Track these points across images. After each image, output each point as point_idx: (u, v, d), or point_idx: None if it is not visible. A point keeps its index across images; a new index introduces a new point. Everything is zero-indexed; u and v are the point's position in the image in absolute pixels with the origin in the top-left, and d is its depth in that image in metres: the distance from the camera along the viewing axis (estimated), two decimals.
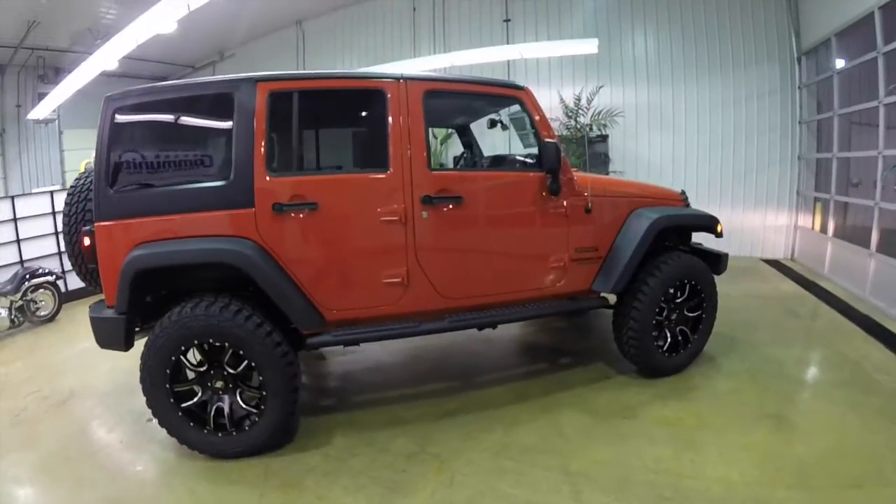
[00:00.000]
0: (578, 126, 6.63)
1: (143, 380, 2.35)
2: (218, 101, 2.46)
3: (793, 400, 2.86)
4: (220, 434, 2.41)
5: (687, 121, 6.61)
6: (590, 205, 2.85)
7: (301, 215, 2.43)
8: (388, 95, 2.53)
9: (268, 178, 2.40)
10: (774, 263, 6.12)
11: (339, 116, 3.26)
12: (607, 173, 6.62)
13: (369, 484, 2.23)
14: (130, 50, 5.15)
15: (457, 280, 2.70)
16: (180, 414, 2.36)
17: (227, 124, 2.42)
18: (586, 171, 5.99)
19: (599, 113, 6.67)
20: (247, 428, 2.42)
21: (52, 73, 9.34)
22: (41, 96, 8.41)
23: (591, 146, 6.89)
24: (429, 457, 2.42)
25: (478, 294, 2.75)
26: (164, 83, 2.66)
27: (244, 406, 2.44)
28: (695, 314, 3.10)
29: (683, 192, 3.49)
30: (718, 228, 3.25)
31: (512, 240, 2.83)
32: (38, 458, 2.61)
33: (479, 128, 3.80)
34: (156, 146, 2.49)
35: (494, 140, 4.87)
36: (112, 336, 2.40)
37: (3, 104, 9.59)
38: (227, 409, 2.42)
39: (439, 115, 3.44)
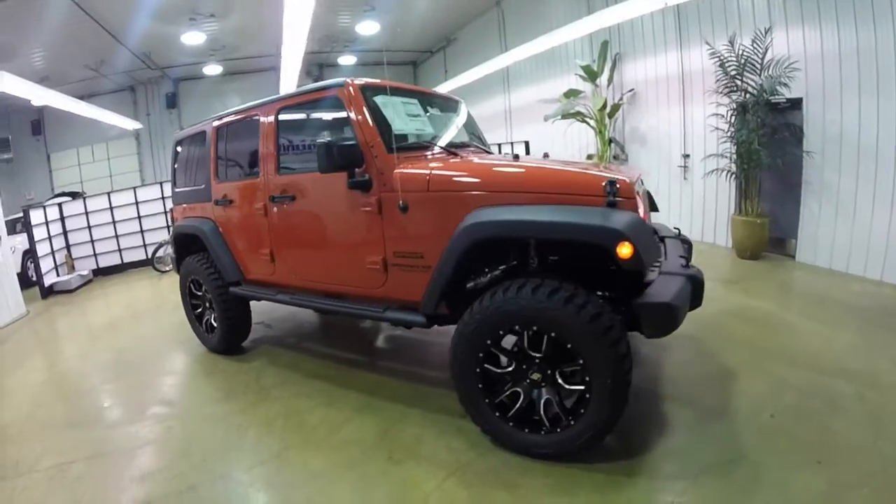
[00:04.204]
0: (756, 85, 5.07)
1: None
2: (198, 138, 4.18)
3: None
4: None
5: None
6: (402, 202, 2.64)
7: (224, 208, 3.90)
8: (259, 119, 3.52)
9: (216, 185, 3.97)
10: None
11: (245, 140, 3.74)
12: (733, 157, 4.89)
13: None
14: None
15: (298, 264, 3.51)
16: None
17: (205, 152, 4.08)
18: (758, 156, 4.99)
19: (776, 64, 4.89)
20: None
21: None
22: None
23: (775, 115, 5.14)
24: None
25: (315, 279, 3.41)
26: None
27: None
28: (574, 387, 2.24)
29: (611, 185, 2.14)
30: (622, 250, 1.97)
31: (330, 234, 3.15)
32: None
33: None
34: (181, 166, 4.54)
35: None
36: None
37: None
38: None
39: (292, 128, 3.49)
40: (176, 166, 4.65)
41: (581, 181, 2.37)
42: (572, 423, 2.24)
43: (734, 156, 5.32)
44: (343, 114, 2.91)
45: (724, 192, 5.90)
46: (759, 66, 5.00)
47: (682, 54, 6.26)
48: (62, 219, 8.48)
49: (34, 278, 7.65)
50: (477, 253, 2.40)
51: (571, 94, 7.68)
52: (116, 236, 8.90)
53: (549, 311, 2.11)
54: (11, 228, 8.35)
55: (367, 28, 10.91)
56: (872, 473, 2.07)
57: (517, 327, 2.24)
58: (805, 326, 3.67)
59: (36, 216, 7.78)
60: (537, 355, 2.28)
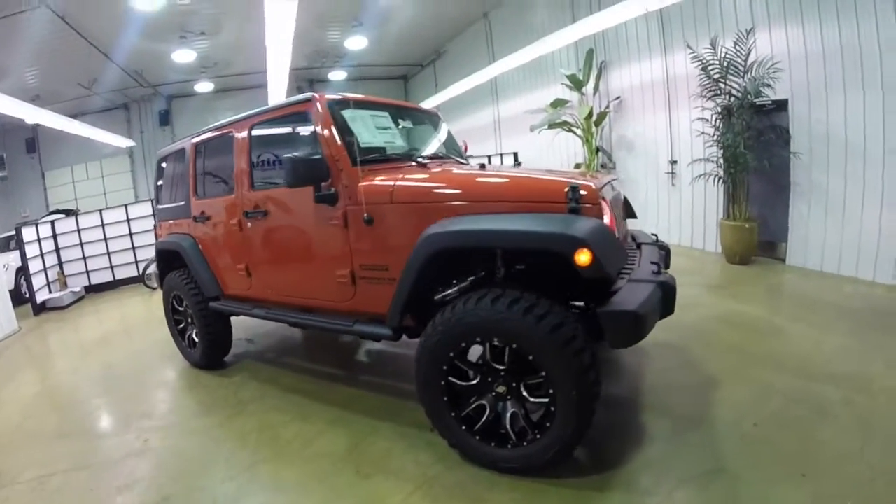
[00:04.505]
0: (740, 88, 5.06)
1: None
2: (179, 154, 4.19)
3: None
4: None
5: None
6: (366, 215, 2.64)
7: (202, 224, 3.90)
8: (234, 136, 3.52)
9: (195, 201, 3.97)
10: None
11: (221, 156, 3.76)
12: (750, 161, 4.86)
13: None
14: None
15: (272, 279, 3.49)
16: None
17: (185, 169, 4.08)
18: (745, 159, 4.98)
19: (759, 65, 4.88)
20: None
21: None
22: None
23: (761, 118, 5.12)
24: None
25: (288, 294, 3.40)
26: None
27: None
28: (539, 400, 2.19)
29: (573, 191, 2.12)
30: (580, 257, 1.92)
31: (301, 249, 3.18)
32: None
33: None
34: (164, 183, 4.55)
35: None
36: None
37: None
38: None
39: (265, 144, 3.44)
40: (159, 183, 4.66)
41: (543, 188, 2.33)
42: (538, 436, 2.18)
43: (721, 160, 5.30)
44: (312, 128, 2.91)
45: (713, 197, 5.88)
46: (742, 68, 4.99)
47: (667, 59, 6.28)
48: (54, 236, 8.49)
49: (27, 295, 7.65)
50: (440, 264, 2.36)
51: (558, 103, 7.71)
52: (108, 253, 8.90)
53: (509, 323, 2.07)
54: (5, 246, 8.39)
55: (356, 43, 11.04)
56: (859, 485, 1.99)
57: (479, 339, 2.19)
58: (794, 330, 3.61)
59: (28, 233, 7.81)
60: (501, 368, 2.23)
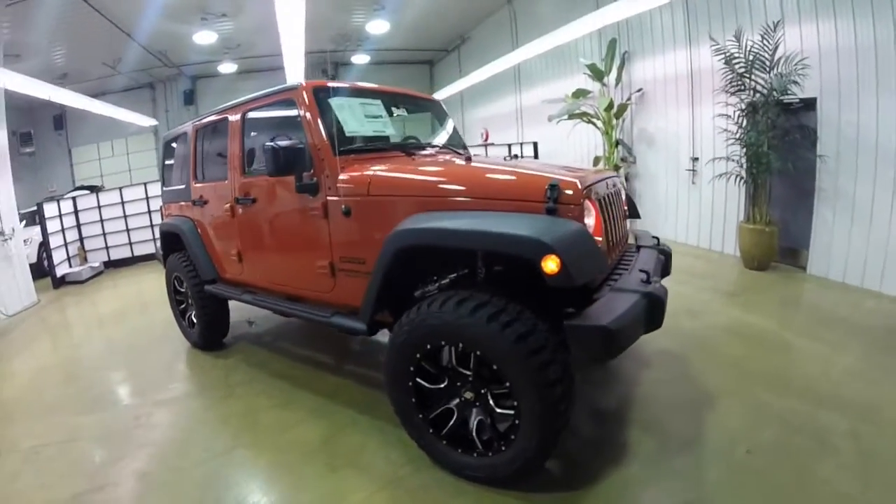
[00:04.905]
0: (765, 84, 4.77)
1: None
2: (182, 138, 4.22)
3: None
4: None
5: None
6: (344, 206, 2.61)
7: (200, 208, 3.94)
8: (228, 121, 3.52)
9: (194, 185, 4.00)
10: None
11: (218, 141, 3.78)
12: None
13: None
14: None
15: (260, 265, 3.50)
16: None
17: (186, 152, 4.12)
18: (768, 159, 4.71)
19: (786, 60, 4.60)
20: None
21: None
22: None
23: (787, 116, 4.86)
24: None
25: (275, 281, 3.40)
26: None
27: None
28: (504, 411, 2.10)
29: (552, 190, 1.99)
30: (547, 264, 1.77)
31: (285, 237, 3.18)
32: None
33: None
34: (168, 165, 4.59)
35: None
36: None
37: None
38: None
39: (256, 131, 3.46)
40: (168, 162, 4.69)
41: (521, 185, 2.20)
42: (503, 448, 2.09)
43: (743, 159, 5.05)
44: (298, 116, 2.88)
45: (734, 198, 5.63)
46: (768, 63, 4.72)
47: (692, 52, 6.02)
48: (76, 212, 8.77)
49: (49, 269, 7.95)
50: (411, 261, 2.28)
51: (580, 93, 7.49)
52: (127, 230, 9.16)
53: (472, 328, 1.96)
54: (31, 220, 8.70)
55: (378, 27, 10.94)
56: None
57: (443, 342, 2.10)
58: (804, 347, 3.39)
59: (49, 209, 8.09)
60: (468, 373, 2.15)
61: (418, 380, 2.24)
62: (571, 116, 7.43)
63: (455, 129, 3.90)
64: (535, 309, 2.12)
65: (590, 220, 2.11)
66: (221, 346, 4.29)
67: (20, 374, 4.28)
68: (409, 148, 3.15)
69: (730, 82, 4.99)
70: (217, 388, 3.55)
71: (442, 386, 2.23)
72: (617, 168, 7.38)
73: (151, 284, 7.47)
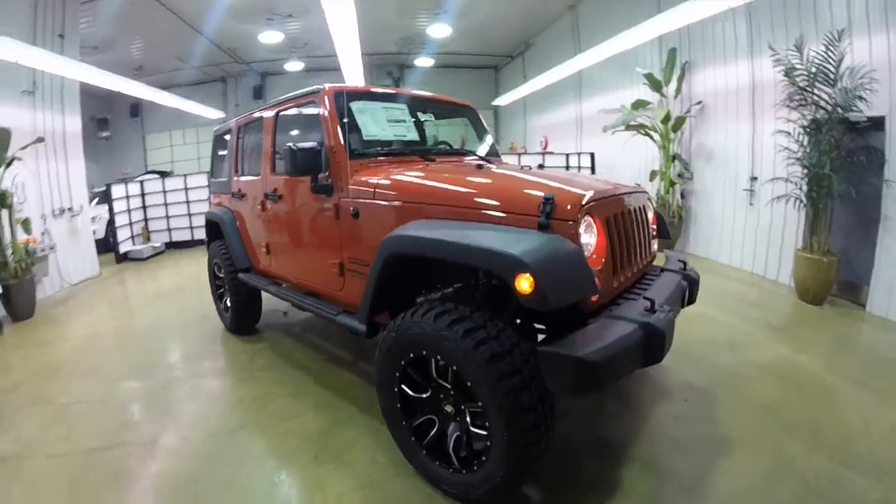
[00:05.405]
0: (829, 99, 4.39)
1: None
2: (228, 133, 4.46)
3: None
4: None
5: None
6: (353, 208, 2.72)
7: (239, 200, 4.18)
8: (263, 121, 3.70)
9: (235, 179, 4.26)
10: None
11: (255, 139, 3.98)
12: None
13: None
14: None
15: (284, 259, 3.67)
16: None
17: (230, 147, 4.38)
18: (829, 182, 4.37)
19: (852, 73, 4.22)
20: None
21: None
22: None
23: (853, 136, 4.47)
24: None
25: (296, 276, 3.55)
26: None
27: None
28: (478, 431, 2.06)
29: (545, 204, 1.95)
30: (520, 283, 1.71)
31: (304, 235, 3.32)
32: None
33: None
34: (216, 158, 4.89)
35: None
36: None
37: None
38: None
39: (285, 130, 3.60)
40: (221, 153, 4.95)
41: (516, 198, 2.13)
42: (475, 468, 2.04)
43: (802, 181, 4.68)
44: (320, 119, 3.00)
45: (793, 223, 5.22)
46: (832, 75, 4.34)
47: (753, 63, 5.65)
48: (142, 194, 9.53)
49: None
50: (410, 267, 2.28)
51: (639, 104, 7.21)
52: (189, 214, 9.82)
53: (448, 343, 1.91)
54: (102, 199, 9.56)
55: (439, 31, 11.11)
56: None
57: (424, 353, 2.07)
58: (849, 395, 3.03)
59: (117, 190, 8.86)
60: (449, 386, 2.12)
61: (403, 386, 2.24)
62: (628, 128, 7.19)
63: (488, 135, 3.91)
64: (531, 328, 2.06)
65: (590, 239, 2.04)
66: (253, 332, 4.54)
67: (71, 338, 4.73)
68: (430, 153, 3.18)
69: (790, 96, 4.63)
70: (240, 370, 3.76)
71: (424, 396, 2.22)
72: (672, 184, 7.07)
73: (204, 267, 7.96)
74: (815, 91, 4.44)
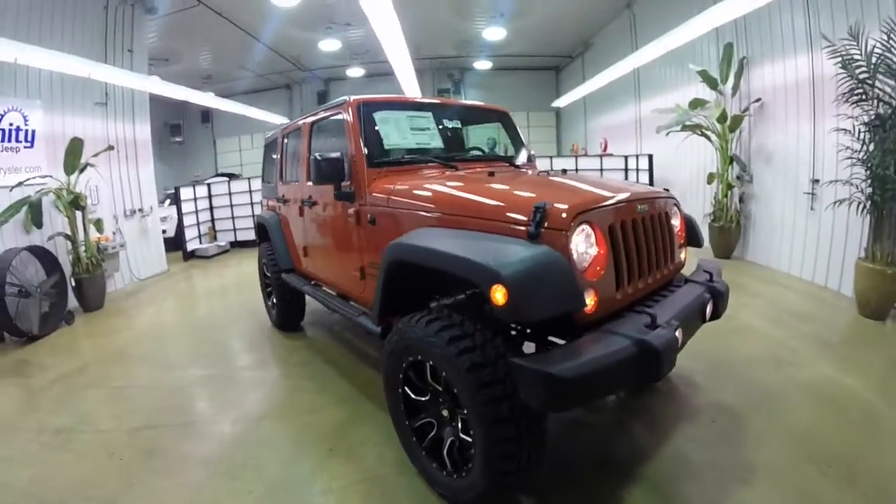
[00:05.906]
0: (893, 93, 4.00)
1: None
2: (276, 141, 4.77)
3: None
4: None
5: None
6: (370, 215, 2.89)
7: (283, 205, 4.50)
8: (301, 130, 3.94)
9: (280, 184, 4.58)
10: None
11: (296, 147, 4.16)
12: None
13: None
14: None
15: (318, 262, 3.92)
16: None
17: (276, 154, 4.71)
18: (894, 184, 4.03)
19: None
20: None
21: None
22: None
23: None
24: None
25: (328, 278, 3.79)
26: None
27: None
28: (465, 437, 2.09)
29: (536, 213, 1.93)
30: (494, 294, 1.71)
31: (332, 240, 3.54)
32: None
33: None
34: (267, 164, 5.23)
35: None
36: None
37: None
38: None
39: (319, 140, 3.77)
40: (275, 157, 5.21)
41: (509, 207, 2.13)
42: (464, 474, 2.08)
43: (866, 184, 4.30)
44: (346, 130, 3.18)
45: (856, 229, 4.80)
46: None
47: (813, 56, 5.24)
48: (209, 196, 10.33)
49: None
50: (419, 274, 2.31)
51: (696, 103, 6.87)
52: (253, 215, 10.49)
53: (436, 349, 1.96)
54: (173, 201, 10.46)
55: (495, 34, 11.20)
56: None
57: (420, 357, 2.13)
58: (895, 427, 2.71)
59: (186, 192, 9.68)
60: (442, 391, 2.19)
61: (406, 388, 2.33)
62: (684, 128, 6.89)
63: (521, 141, 3.94)
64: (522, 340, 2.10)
65: (586, 249, 1.99)
66: (298, 329, 4.87)
67: (134, 328, 5.31)
68: (453, 160, 3.25)
69: (849, 90, 4.27)
70: (278, 365, 4.07)
71: (424, 399, 2.29)
72: (731, 187, 6.70)
73: None
74: (877, 84, 4.07)
